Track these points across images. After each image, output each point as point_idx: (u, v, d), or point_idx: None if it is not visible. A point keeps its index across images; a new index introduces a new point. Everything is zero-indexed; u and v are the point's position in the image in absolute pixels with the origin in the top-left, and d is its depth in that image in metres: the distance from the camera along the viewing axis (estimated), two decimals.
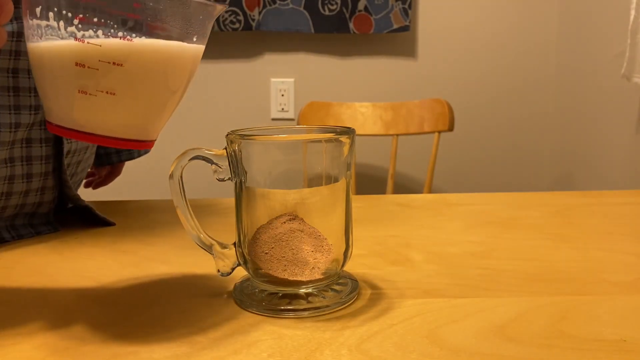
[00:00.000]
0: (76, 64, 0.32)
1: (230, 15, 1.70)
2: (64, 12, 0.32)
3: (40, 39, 0.33)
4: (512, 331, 0.34)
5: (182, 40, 0.35)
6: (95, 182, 0.86)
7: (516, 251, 0.51)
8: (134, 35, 0.32)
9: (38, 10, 0.32)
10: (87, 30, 0.32)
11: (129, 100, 0.34)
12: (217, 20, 1.69)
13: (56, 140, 0.57)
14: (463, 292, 0.41)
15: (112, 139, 0.34)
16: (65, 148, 0.58)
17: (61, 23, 0.32)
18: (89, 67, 0.32)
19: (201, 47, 0.37)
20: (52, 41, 0.32)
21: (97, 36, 0.32)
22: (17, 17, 0.51)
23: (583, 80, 1.72)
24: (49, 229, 0.58)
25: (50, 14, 0.32)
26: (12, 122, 0.52)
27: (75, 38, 0.32)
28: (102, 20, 0.32)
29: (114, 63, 0.32)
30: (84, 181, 0.84)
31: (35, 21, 0.33)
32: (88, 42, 0.32)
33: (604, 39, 1.58)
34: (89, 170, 0.81)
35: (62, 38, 0.32)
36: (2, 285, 0.43)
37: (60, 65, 0.33)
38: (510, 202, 0.72)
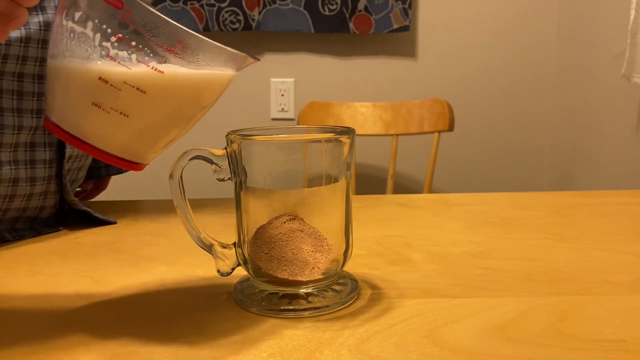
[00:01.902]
0: (100, 79, 0.32)
1: (230, 15, 1.70)
2: (105, 27, 0.31)
3: (70, 42, 0.32)
4: (512, 331, 0.34)
5: (207, 78, 0.35)
6: (81, 197, 0.85)
7: (516, 251, 0.51)
8: (164, 68, 0.32)
9: (77, 15, 0.32)
10: (122, 50, 0.32)
11: (140, 126, 0.33)
12: (217, 20, 1.70)
13: (59, 145, 0.58)
14: (463, 292, 0.41)
15: (106, 154, 0.34)
16: (67, 153, 0.58)
17: (97, 36, 0.32)
18: (111, 86, 0.32)
19: (221, 89, 0.37)
20: (81, 48, 0.32)
21: (130, 59, 0.32)
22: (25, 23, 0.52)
23: (583, 80, 1.72)
24: (50, 230, 0.59)
25: (89, 24, 0.32)
26: (15, 124, 0.53)
27: (108, 55, 0.32)
28: (140, 47, 0.32)
29: (138, 89, 0.32)
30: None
31: (70, 24, 0.32)
32: (119, 62, 0.32)
33: (604, 39, 1.58)
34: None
35: (92, 48, 0.32)
36: (2, 285, 0.43)
37: (83, 75, 0.32)
38: (510, 202, 0.72)
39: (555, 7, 1.86)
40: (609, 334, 0.34)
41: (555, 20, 1.87)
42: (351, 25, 1.76)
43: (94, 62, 0.32)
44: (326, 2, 1.74)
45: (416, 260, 0.48)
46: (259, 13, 1.72)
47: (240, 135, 0.37)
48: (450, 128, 1.56)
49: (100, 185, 0.83)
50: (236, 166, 0.38)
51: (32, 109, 0.54)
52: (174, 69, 0.33)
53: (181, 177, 0.39)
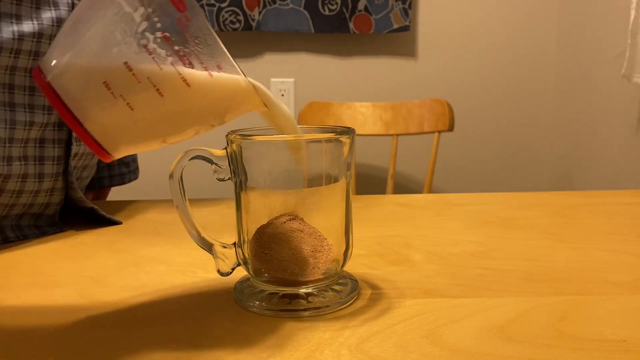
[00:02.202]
0: (125, 63, 0.30)
1: (230, 15, 1.70)
2: (156, 20, 0.31)
3: (111, 14, 0.31)
4: (512, 331, 0.34)
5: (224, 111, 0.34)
6: None
7: (516, 251, 0.51)
8: (192, 82, 0.31)
9: None
10: (162, 48, 0.31)
11: (137, 123, 0.32)
12: (217, 20, 1.70)
13: (67, 142, 0.58)
14: (463, 292, 0.41)
15: (85, 131, 0.32)
16: (73, 150, 0.58)
17: (144, 24, 0.31)
18: (134, 75, 0.31)
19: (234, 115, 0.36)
20: (119, 26, 0.31)
21: (164, 60, 0.31)
22: (38, 18, 0.52)
23: (583, 81, 1.72)
24: (54, 229, 0.59)
25: (141, 10, 0.30)
26: (26, 120, 0.53)
27: (145, 46, 0.31)
28: (181, 54, 0.31)
29: (158, 90, 0.31)
30: None
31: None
32: (153, 58, 0.31)
33: (604, 39, 1.58)
34: None
35: (132, 32, 0.31)
36: (2, 285, 0.43)
37: (109, 51, 0.31)
38: (510, 202, 0.72)
39: (555, 7, 1.86)
40: (609, 334, 0.34)
41: (556, 20, 1.87)
42: (351, 25, 1.76)
43: (128, 45, 0.31)
44: (326, 2, 1.74)
45: (416, 260, 0.48)
46: (259, 13, 1.72)
47: (240, 135, 0.37)
48: (450, 128, 1.56)
49: (100, 196, 0.83)
50: (236, 166, 0.38)
51: (44, 105, 0.55)
52: (202, 87, 0.32)
53: (181, 177, 0.39)
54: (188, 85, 0.31)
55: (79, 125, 0.31)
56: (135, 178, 0.79)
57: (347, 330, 0.35)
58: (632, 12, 1.30)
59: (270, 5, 1.72)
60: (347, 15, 1.75)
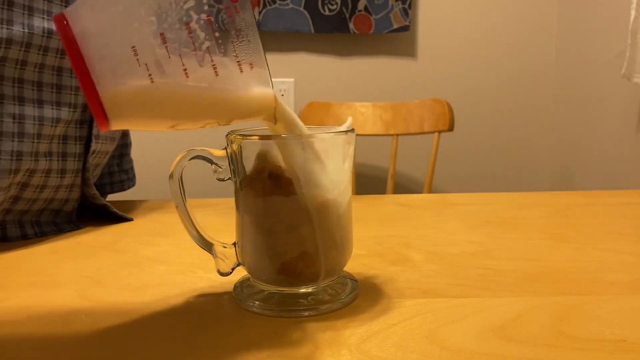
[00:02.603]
0: (161, 34, 0.29)
1: None
2: (204, 1, 0.30)
3: None
4: (512, 331, 0.34)
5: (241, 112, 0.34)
6: None
7: (516, 251, 0.51)
8: (222, 72, 0.31)
9: None
10: (202, 31, 0.30)
11: (154, 99, 0.31)
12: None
13: (87, 139, 0.59)
14: (463, 292, 0.41)
15: (94, 93, 0.29)
16: (92, 147, 0.60)
17: (191, 2, 0.30)
18: (165, 48, 0.29)
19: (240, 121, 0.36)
20: (167, 4, 0.30)
21: (201, 43, 0.30)
22: None
23: (583, 80, 1.72)
24: (71, 227, 0.60)
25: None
26: (53, 117, 0.54)
27: (187, 23, 0.30)
28: (219, 41, 0.30)
29: (185, 70, 0.30)
30: None
31: None
32: (190, 37, 0.30)
33: (604, 39, 1.58)
34: None
35: (176, 6, 0.29)
36: (2, 285, 0.43)
37: (146, 18, 0.29)
38: (510, 202, 0.72)
39: (555, 7, 1.86)
40: (609, 334, 0.34)
41: (555, 21, 1.87)
42: (351, 25, 1.76)
43: (169, 17, 0.30)
44: (326, 2, 1.74)
45: (416, 260, 0.48)
46: (259, 13, 1.72)
47: (240, 135, 0.37)
48: (450, 128, 1.56)
49: None
50: (236, 166, 0.38)
51: (70, 103, 0.56)
52: (229, 80, 0.31)
53: (181, 177, 0.39)
54: (217, 74, 0.31)
55: (92, 86, 0.30)
56: (133, 185, 0.80)
57: (347, 330, 0.35)
58: (632, 12, 1.30)
59: (270, 5, 1.72)
60: (347, 15, 1.75)
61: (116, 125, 0.32)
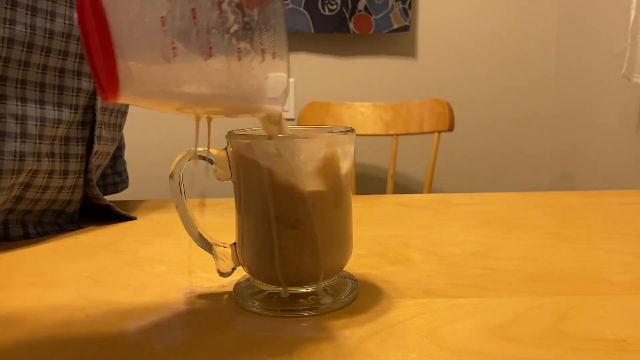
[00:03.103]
0: (192, 10, 0.28)
1: None
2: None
3: None
4: (512, 331, 0.34)
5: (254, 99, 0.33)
6: None
7: (516, 251, 0.51)
8: (244, 60, 0.30)
9: None
10: (233, 14, 0.29)
11: (169, 74, 0.29)
12: None
13: (89, 141, 0.60)
14: (463, 292, 0.41)
15: (111, 60, 0.28)
16: (95, 148, 0.60)
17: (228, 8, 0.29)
18: (195, 24, 0.28)
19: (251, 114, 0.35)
20: None
21: (229, 25, 0.29)
22: (68, 17, 0.52)
23: (583, 80, 1.72)
24: (73, 227, 0.60)
25: None
26: (55, 117, 0.55)
27: (219, 4, 0.29)
28: (248, 27, 0.30)
29: (210, 48, 0.29)
30: None
31: None
32: (221, 18, 0.29)
33: (604, 39, 1.58)
34: None
35: None
36: (2, 285, 0.43)
37: None
38: (510, 202, 0.72)
39: (555, 7, 1.86)
40: (609, 334, 0.34)
41: (556, 20, 1.87)
42: (351, 25, 1.76)
43: None
44: (326, 2, 1.74)
45: (416, 260, 0.48)
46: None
47: (240, 135, 0.37)
48: (450, 128, 1.56)
49: None
50: (236, 166, 0.38)
51: (71, 104, 0.56)
52: (249, 68, 0.31)
53: (181, 177, 0.39)
54: (239, 58, 0.30)
55: (111, 53, 0.28)
56: (127, 187, 0.80)
57: (347, 330, 0.35)
58: (632, 12, 1.30)
59: None
60: (347, 15, 1.75)
61: (125, 99, 0.30)
